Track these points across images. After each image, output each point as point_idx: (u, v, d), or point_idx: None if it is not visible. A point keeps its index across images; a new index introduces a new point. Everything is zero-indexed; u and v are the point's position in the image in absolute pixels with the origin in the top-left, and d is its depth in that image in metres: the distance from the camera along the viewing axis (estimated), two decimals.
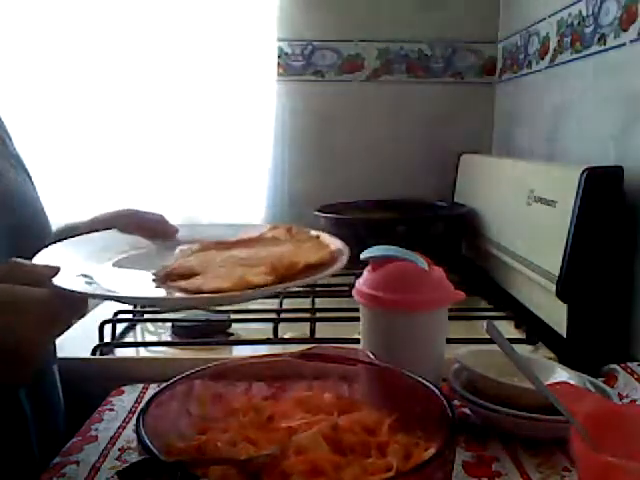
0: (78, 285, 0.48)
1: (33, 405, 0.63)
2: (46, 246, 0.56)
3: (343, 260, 0.56)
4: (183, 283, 0.52)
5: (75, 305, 0.46)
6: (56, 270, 0.47)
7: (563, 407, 0.44)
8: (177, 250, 0.63)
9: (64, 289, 0.45)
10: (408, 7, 1.38)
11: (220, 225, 0.74)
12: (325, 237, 0.63)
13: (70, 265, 0.54)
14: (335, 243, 0.61)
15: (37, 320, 0.43)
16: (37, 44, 1.29)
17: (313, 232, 0.65)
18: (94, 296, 0.48)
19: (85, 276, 0.52)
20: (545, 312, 0.88)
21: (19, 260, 0.46)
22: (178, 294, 0.52)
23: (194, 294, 0.50)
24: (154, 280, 0.55)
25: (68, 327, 0.46)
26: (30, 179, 0.71)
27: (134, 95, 1.34)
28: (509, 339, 0.53)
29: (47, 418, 0.67)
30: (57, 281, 0.46)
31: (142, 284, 0.55)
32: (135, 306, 0.97)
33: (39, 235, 0.62)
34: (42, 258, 0.53)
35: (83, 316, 0.47)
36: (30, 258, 0.50)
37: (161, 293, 0.53)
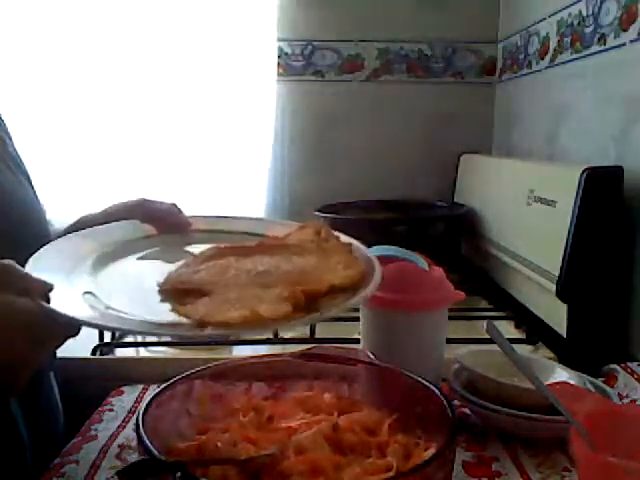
0: (69, 306, 0.45)
1: (27, 416, 0.62)
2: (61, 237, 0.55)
3: (375, 281, 0.50)
4: (188, 308, 0.47)
5: (67, 325, 0.44)
6: (50, 287, 0.44)
7: (563, 407, 0.44)
8: (190, 251, 0.58)
9: (53, 311, 0.43)
10: (408, 7, 1.38)
11: (245, 219, 0.68)
12: (357, 247, 0.57)
13: (79, 258, 0.53)
14: (367, 257, 0.55)
15: (26, 337, 0.41)
16: (39, 44, 1.29)
17: (344, 238, 0.58)
18: (83, 323, 0.44)
19: (86, 292, 0.49)
20: (545, 312, 0.88)
21: (12, 264, 0.44)
22: (177, 326, 0.46)
23: (197, 325, 0.45)
24: (159, 292, 0.50)
25: (60, 344, 0.44)
26: (29, 182, 0.71)
27: (134, 96, 1.34)
28: (509, 339, 0.53)
29: (43, 428, 0.66)
30: (52, 297, 0.44)
31: (145, 300, 0.49)
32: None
33: (36, 239, 0.61)
34: (48, 252, 0.52)
35: (76, 335, 0.44)
36: (26, 262, 0.48)
37: (162, 313, 0.47)
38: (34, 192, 0.71)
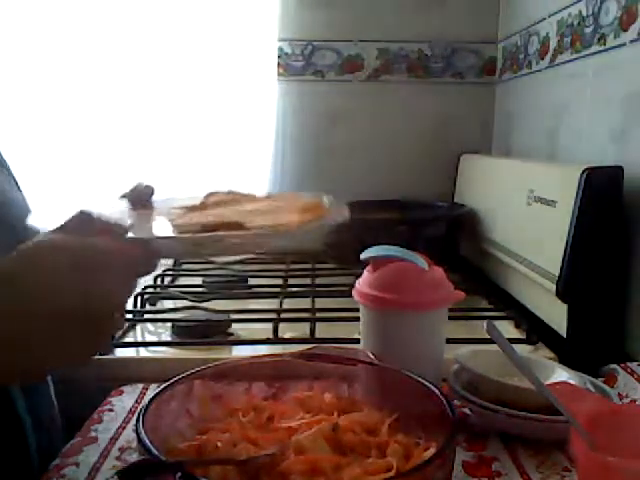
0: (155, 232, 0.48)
1: (30, 408, 0.61)
2: None
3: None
4: (255, 224, 0.49)
5: (149, 256, 0.46)
6: (125, 228, 0.46)
7: (563, 407, 0.44)
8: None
9: (135, 239, 0.45)
10: (408, 7, 1.38)
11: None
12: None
13: None
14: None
15: (114, 275, 0.42)
16: (31, 40, 1.27)
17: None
18: (167, 240, 0.47)
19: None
20: (545, 312, 0.88)
21: (87, 211, 0.45)
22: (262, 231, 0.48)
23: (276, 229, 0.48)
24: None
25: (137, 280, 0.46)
26: (13, 179, 0.70)
27: (133, 95, 1.33)
28: (509, 339, 0.53)
29: (45, 423, 0.65)
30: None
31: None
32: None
33: (24, 238, 0.61)
34: None
35: (154, 268, 0.47)
36: None
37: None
38: (19, 190, 0.70)
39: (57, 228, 0.45)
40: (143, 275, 0.46)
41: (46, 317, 0.40)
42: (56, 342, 0.41)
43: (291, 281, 1.11)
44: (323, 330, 0.83)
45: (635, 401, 0.62)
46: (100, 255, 0.41)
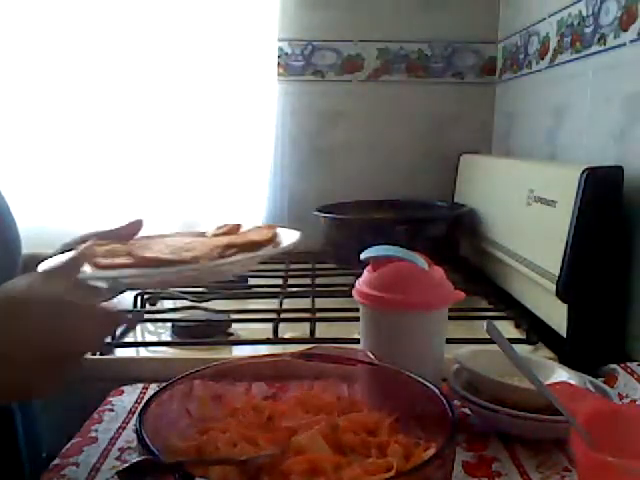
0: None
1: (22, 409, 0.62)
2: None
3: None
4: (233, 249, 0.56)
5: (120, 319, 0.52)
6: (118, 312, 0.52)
7: (563, 407, 0.44)
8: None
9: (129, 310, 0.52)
10: (408, 7, 1.38)
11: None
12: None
13: None
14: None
15: (91, 330, 0.47)
16: (30, 43, 1.27)
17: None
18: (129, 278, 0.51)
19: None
20: (545, 312, 0.88)
21: (80, 279, 0.51)
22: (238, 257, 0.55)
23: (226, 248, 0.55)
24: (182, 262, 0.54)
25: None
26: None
27: (133, 96, 1.33)
28: (509, 339, 0.53)
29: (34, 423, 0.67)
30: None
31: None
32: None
33: (8, 253, 0.61)
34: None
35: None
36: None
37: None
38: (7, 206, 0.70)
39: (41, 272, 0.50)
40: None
41: (21, 358, 0.44)
42: (26, 379, 0.45)
43: (291, 281, 1.11)
44: (323, 330, 0.83)
45: (635, 401, 0.62)
46: (67, 310, 0.46)
